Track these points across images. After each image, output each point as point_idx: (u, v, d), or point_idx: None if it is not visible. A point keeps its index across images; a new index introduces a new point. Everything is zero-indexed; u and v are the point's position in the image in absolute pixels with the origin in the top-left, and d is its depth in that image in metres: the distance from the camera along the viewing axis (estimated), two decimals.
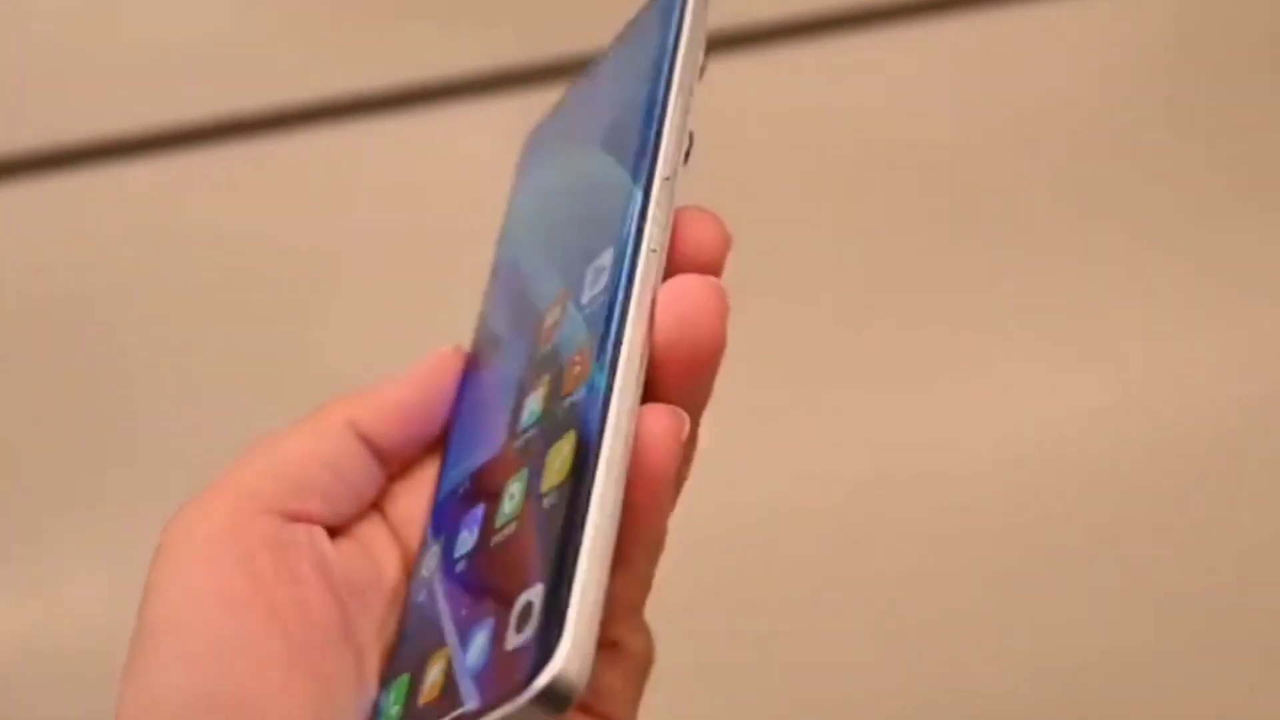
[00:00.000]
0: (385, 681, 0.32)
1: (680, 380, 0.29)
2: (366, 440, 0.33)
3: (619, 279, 0.29)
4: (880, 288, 0.63)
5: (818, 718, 0.55)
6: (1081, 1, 0.70)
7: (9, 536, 0.55)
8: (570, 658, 0.24)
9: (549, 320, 0.32)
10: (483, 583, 0.29)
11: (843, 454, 0.59)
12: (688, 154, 0.31)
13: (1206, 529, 0.59)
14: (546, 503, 0.28)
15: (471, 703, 0.26)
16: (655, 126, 0.30)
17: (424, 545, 0.34)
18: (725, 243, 0.31)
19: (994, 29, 0.69)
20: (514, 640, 0.26)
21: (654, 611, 0.33)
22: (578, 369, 0.29)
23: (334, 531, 0.34)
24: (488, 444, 0.33)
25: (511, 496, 0.30)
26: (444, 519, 0.33)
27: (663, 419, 0.28)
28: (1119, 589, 0.58)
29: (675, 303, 0.29)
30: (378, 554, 0.34)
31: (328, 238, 0.63)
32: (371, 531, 0.34)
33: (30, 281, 0.60)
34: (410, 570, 0.34)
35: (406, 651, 0.32)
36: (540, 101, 0.63)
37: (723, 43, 0.67)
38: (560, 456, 0.28)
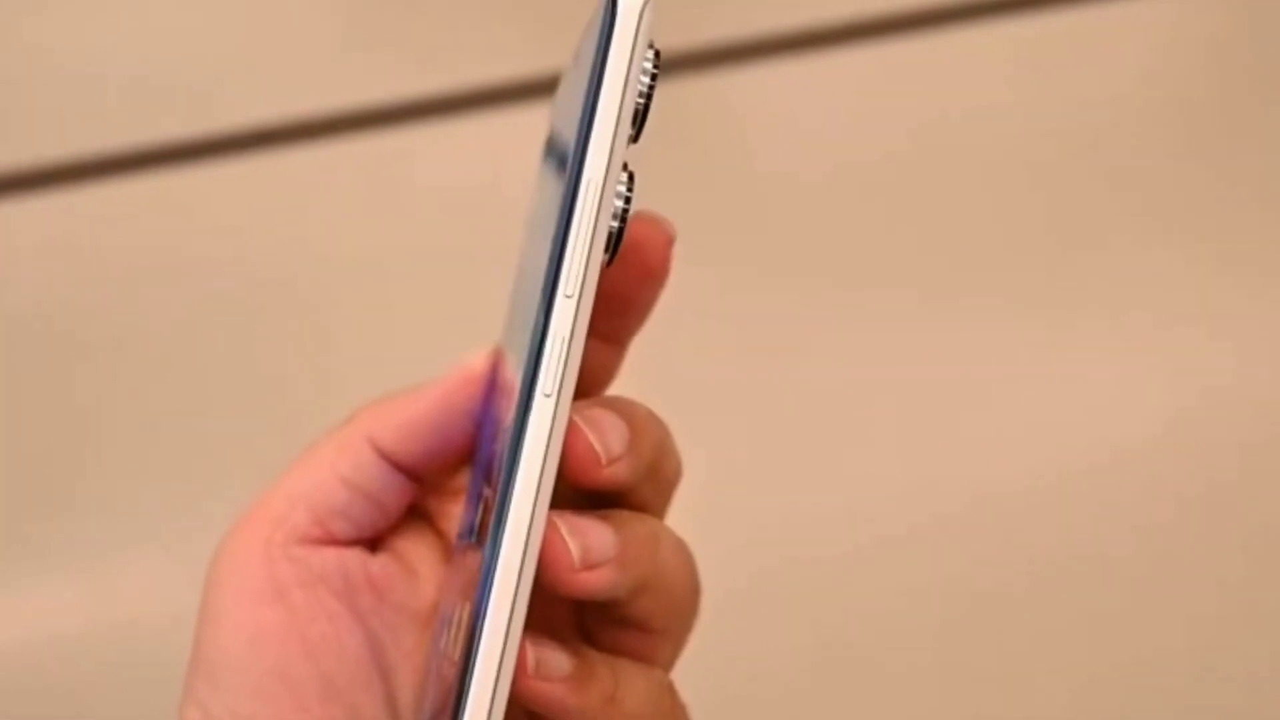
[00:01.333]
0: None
1: None
2: (386, 456, 0.33)
3: (517, 436, 0.28)
4: (934, 299, 0.63)
5: None
6: (1124, 5, 0.69)
7: (65, 537, 0.57)
8: None
9: (509, 405, 0.30)
10: (436, 692, 0.30)
11: (893, 469, 0.59)
12: (617, 242, 0.28)
13: (1265, 541, 0.59)
14: (459, 657, 0.28)
15: None
16: (561, 236, 0.28)
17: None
18: (669, 242, 0.32)
19: (1036, 33, 0.69)
20: None
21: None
22: (487, 515, 0.29)
23: (373, 545, 0.34)
24: (471, 510, 0.33)
25: (458, 620, 0.30)
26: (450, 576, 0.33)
27: None
28: (1168, 607, 0.58)
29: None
30: (417, 567, 0.34)
31: (353, 248, 0.64)
32: (412, 545, 0.35)
33: (76, 291, 0.62)
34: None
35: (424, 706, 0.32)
36: None
37: (752, 50, 0.67)
38: (466, 612, 0.29)
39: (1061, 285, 0.63)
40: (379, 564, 0.33)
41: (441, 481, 0.35)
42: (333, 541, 0.33)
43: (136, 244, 0.63)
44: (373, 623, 0.33)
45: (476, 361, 0.33)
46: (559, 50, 0.65)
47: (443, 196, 0.63)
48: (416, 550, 0.34)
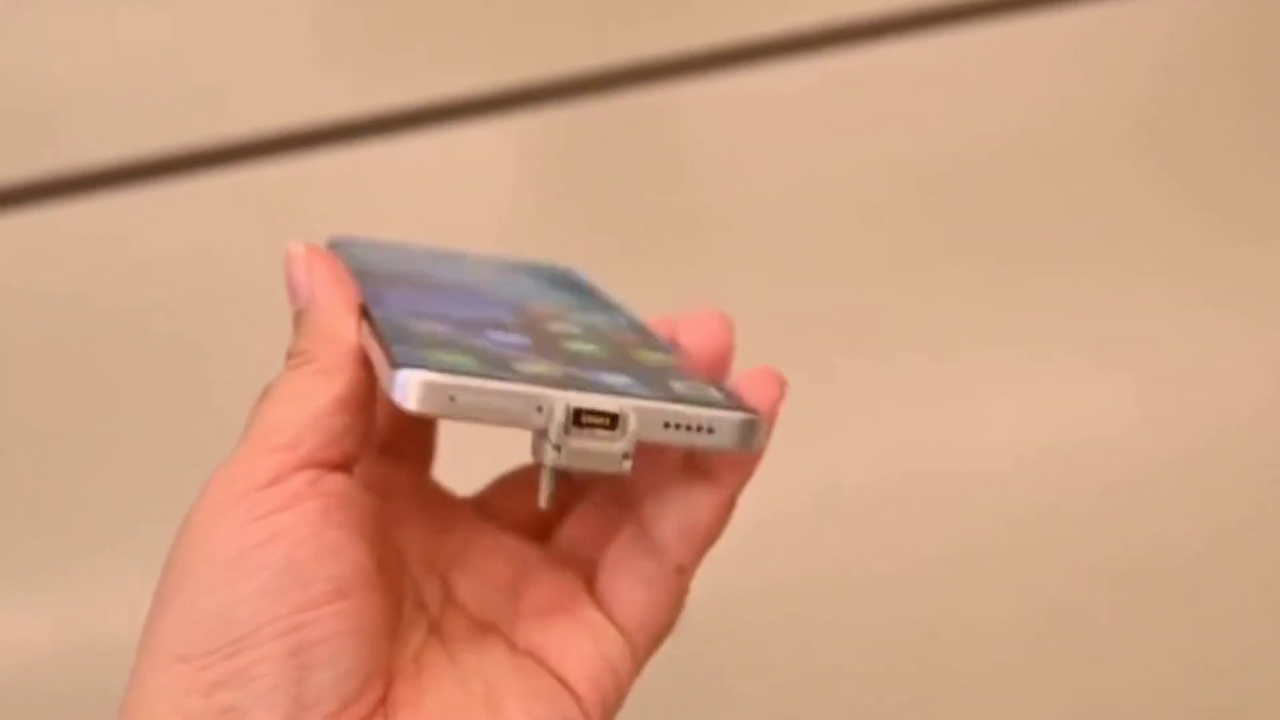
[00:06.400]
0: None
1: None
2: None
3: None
4: (910, 299, 0.62)
5: None
6: (1112, 6, 0.68)
7: (53, 554, 0.56)
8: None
9: (537, 309, 0.38)
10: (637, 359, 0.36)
11: (861, 466, 0.59)
12: None
13: (1234, 540, 0.57)
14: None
15: (715, 391, 0.34)
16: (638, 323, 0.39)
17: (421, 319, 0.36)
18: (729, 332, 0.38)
19: (1016, 37, 0.68)
20: (716, 395, 0.34)
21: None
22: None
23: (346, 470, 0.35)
24: (483, 308, 0.37)
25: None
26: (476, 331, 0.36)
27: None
28: (1148, 604, 0.56)
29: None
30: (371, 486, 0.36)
31: None
32: (391, 475, 0.38)
33: (65, 306, 0.61)
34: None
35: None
36: (550, 120, 0.64)
37: (692, 64, 0.67)
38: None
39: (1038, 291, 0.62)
40: (370, 492, 0.34)
41: None
42: (339, 465, 0.33)
43: (108, 259, 0.62)
44: (378, 535, 0.33)
45: (303, 247, 0.35)
46: (529, 63, 0.66)
47: (422, 208, 0.63)
48: (396, 480, 0.37)
